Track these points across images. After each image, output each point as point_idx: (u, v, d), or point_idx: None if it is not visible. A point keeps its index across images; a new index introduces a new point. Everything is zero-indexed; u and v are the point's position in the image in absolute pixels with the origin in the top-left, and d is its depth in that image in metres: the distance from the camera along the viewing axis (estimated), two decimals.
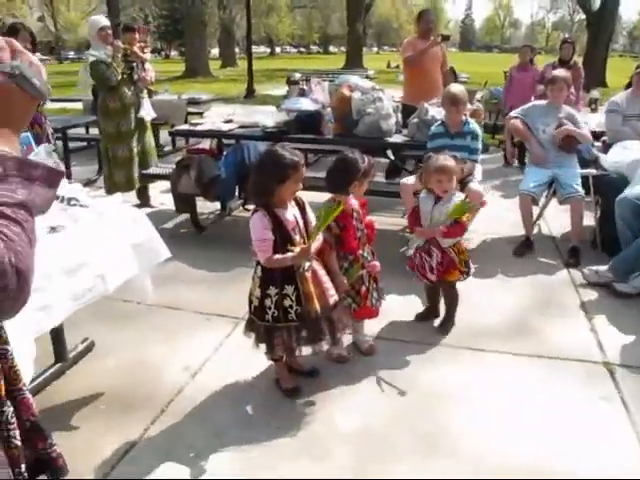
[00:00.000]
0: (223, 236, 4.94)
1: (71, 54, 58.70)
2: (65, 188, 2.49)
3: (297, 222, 2.55)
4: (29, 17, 60.05)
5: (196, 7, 26.85)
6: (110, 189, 5.49)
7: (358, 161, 2.79)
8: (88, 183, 6.81)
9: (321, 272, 2.63)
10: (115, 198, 2.72)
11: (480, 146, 4.24)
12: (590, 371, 2.96)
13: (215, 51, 57.25)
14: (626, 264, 3.84)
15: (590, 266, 4.05)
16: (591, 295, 3.85)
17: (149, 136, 5.73)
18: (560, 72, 4.86)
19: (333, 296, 2.64)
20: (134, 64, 5.40)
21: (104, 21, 5.34)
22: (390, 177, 6.08)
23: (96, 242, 2.38)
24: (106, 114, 5.38)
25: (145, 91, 5.70)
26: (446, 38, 6.11)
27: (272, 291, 2.53)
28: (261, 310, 2.56)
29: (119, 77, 5.22)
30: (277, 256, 2.45)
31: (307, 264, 2.50)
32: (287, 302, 2.52)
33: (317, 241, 2.53)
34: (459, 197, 3.20)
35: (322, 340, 2.62)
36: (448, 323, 3.40)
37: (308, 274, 2.53)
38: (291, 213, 2.54)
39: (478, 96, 9.93)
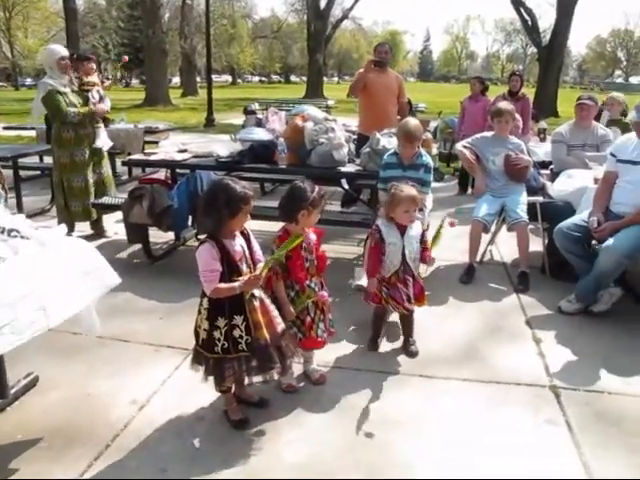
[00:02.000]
0: (176, 266, 4.90)
1: (28, 81, 57.97)
2: (6, 219, 2.45)
3: (244, 252, 2.56)
4: None
5: (157, 36, 26.87)
6: (65, 219, 5.44)
7: (307, 190, 2.81)
8: (41, 212, 6.70)
9: (268, 301, 2.64)
10: (59, 229, 2.68)
11: (432, 178, 4.33)
12: (537, 395, 3.02)
13: (177, 79, 57.41)
14: (589, 289, 3.95)
15: (567, 298, 4.10)
16: (539, 320, 3.95)
17: (106, 165, 5.69)
18: (503, 104, 5.03)
19: (280, 324, 2.66)
20: (89, 94, 5.40)
21: (63, 51, 5.33)
22: (345, 206, 6.16)
23: (38, 274, 2.33)
24: (60, 144, 5.34)
25: (101, 120, 5.67)
26: (377, 64, 6.10)
27: (221, 322, 2.52)
28: (210, 342, 2.54)
29: (79, 116, 5.21)
30: (224, 285, 2.45)
31: (257, 292, 2.52)
32: (237, 332, 2.52)
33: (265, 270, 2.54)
34: (418, 225, 3.32)
35: (272, 369, 2.61)
36: (414, 345, 3.45)
37: (256, 303, 2.53)
38: (238, 244, 2.55)
39: (432, 125, 10.19)
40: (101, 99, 5.68)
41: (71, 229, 5.48)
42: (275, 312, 2.65)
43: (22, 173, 7.53)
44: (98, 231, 5.68)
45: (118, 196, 5.52)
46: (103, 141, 5.61)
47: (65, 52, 5.31)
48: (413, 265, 3.32)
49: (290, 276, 2.84)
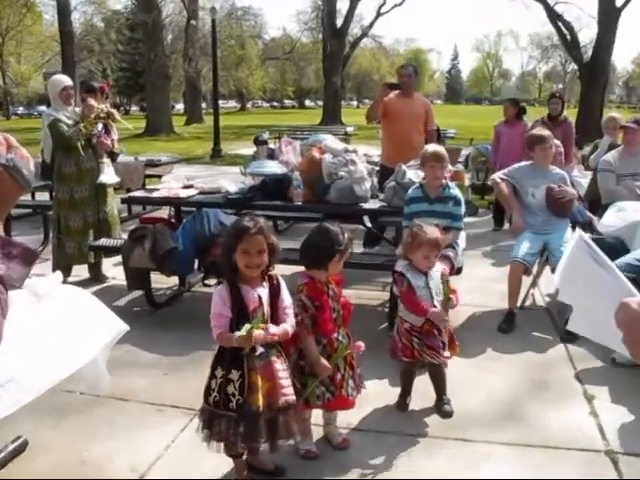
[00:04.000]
0: (182, 314, 4.92)
1: (20, 109, 59.54)
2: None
3: (261, 303, 2.58)
4: None
5: (159, 60, 27.53)
6: (60, 260, 5.55)
7: (339, 233, 2.84)
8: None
9: (279, 365, 2.62)
10: (54, 277, 2.72)
11: (463, 212, 4.35)
12: (591, 461, 2.96)
13: (180, 106, 58.56)
14: None
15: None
16: (590, 373, 3.89)
17: (110, 204, 5.80)
18: (540, 130, 5.06)
19: (287, 396, 2.60)
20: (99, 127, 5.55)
21: (67, 80, 5.55)
22: (368, 246, 6.17)
23: (33, 328, 2.36)
24: (60, 179, 5.50)
25: (105, 155, 5.78)
26: (393, 86, 6.11)
27: (218, 372, 2.57)
28: (207, 391, 2.61)
29: (82, 139, 5.38)
30: (225, 334, 2.51)
31: (259, 351, 2.52)
32: (230, 389, 2.54)
33: (267, 330, 2.52)
34: (438, 265, 3.34)
35: (258, 443, 2.58)
36: (448, 404, 3.41)
37: (259, 362, 2.54)
38: (257, 292, 2.58)
39: (463, 153, 10.22)
40: (107, 131, 5.79)
41: (67, 273, 5.55)
42: (286, 380, 2.62)
43: (12, 210, 7.70)
44: (96, 276, 5.75)
45: (118, 237, 5.60)
46: (108, 176, 5.72)
47: (68, 81, 5.54)
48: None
49: (318, 330, 2.84)
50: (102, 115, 5.55)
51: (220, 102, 21.03)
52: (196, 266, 4.86)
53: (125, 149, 11.41)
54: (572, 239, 2.37)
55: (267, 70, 57.99)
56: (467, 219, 4.54)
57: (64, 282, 5.21)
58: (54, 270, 5.47)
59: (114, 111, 5.73)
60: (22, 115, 56.31)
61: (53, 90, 5.48)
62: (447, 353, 3.32)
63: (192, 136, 26.36)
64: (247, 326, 2.45)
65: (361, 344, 2.97)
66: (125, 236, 5.27)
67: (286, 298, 2.68)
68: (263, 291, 2.60)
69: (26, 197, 8.25)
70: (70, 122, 5.41)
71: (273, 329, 2.54)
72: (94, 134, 5.50)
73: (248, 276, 2.57)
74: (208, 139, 20.04)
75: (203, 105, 39.86)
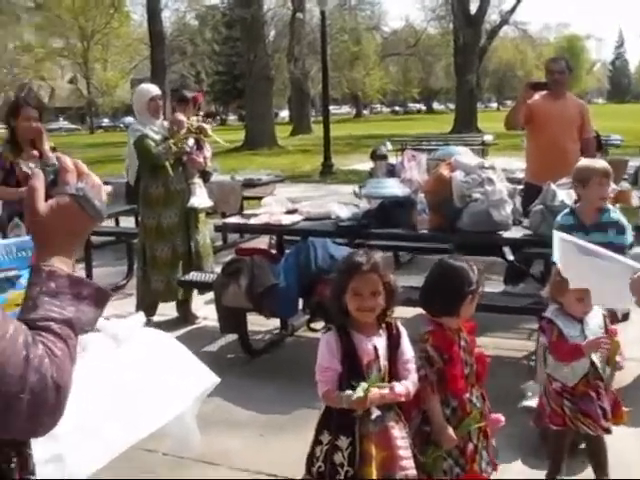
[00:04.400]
0: (282, 363, 4.99)
1: (105, 121, 63.17)
2: None
3: (377, 355, 2.58)
4: (59, 79, 65.71)
5: (260, 60, 28.26)
6: (144, 296, 5.80)
7: (469, 271, 2.81)
8: (114, 289, 7.15)
9: (398, 432, 2.59)
10: (137, 318, 2.85)
11: (630, 242, 4.17)
12: None
13: (284, 114, 60.08)
14: None
15: None
16: None
17: (202, 231, 6.01)
18: None
19: (407, 470, 2.55)
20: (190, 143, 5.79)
21: (154, 90, 5.84)
22: (510, 284, 6.02)
23: (110, 376, 2.48)
24: (146, 202, 5.76)
25: (197, 175, 6.01)
26: (539, 86, 6.01)
27: (324, 437, 2.58)
28: (310, 460, 2.61)
29: (171, 158, 5.62)
30: (334, 392, 2.51)
31: (375, 414, 2.51)
32: (338, 458, 2.53)
33: (392, 389, 2.51)
34: (598, 312, 3.21)
35: None
36: None
37: (374, 428, 2.52)
38: (373, 342, 2.58)
39: (632, 165, 9.80)
40: (199, 147, 6.01)
41: (152, 311, 5.82)
42: (405, 450, 2.58)
43: (93, 238, 8.15)
44: (185, 316, 5.96)
45: (210, 271, 5.78)
46: (200, 199, 5.93)
47: (156, 91, 5.82)
48: (602, 367, 3.19)
49: (446, 388, 2.77)
50: (193, 130, 5.77)
51: (331, 108, 21.43)
52: (300, 306, 4.92)
53: (220, 166, 11.79)
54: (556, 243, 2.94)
55: (387, 69, 58.41)
56: (635, 249, 4.33)
57: (148, 321, 5.52)
58: (138, 307, 5.76)
59: (206, 126, 5.94)
60: (107, 128, 59.70)
61: (139, 101, 5.76)
62: (608, 424, 3.16)
63: (298, 149, 26.88)
64: (363, 385, 2.43)
65: (500, 418, 2.88)
66: (218, 270, 5.43)
67: (407, 350, 2.66)
68: (379, 341, 2.60)
69: (109, 223, 8.71)
70: (158, 137, 5.65)
71: (398, 387, 2.51)
72: (184, 152, 5.73)
73: (361, 322, 2.58)
74: (317, 152, 20.37)
75: (312, 112, 40.68)
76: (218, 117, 70.58)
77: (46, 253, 1.21)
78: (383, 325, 2.64)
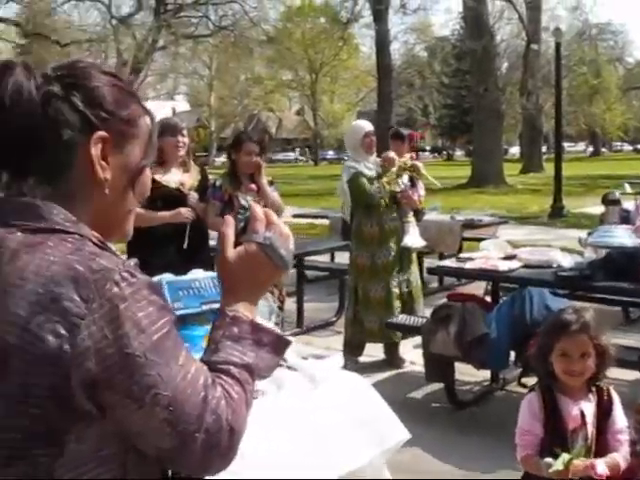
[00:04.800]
0: (489, 418, 4.89)
1: (330, 154, 65.59)
2: None
3: (584, 422, 2.49)
4: (287, 111, 69.33)
5: (490, 94, 28.11)
6: (354, 336, 5.95)
7: None
8: (324, 325, 7.39)
9: None
10: (335, 360, 2.94)
11: None
12: None
13: (514, 150, 59.12)
14: None
15: None
16: None
17: (415, 271, 6.11)
18: None
19: None
20: (405, 181, 5.93)
21: (368, 126, 6.03)
22: None
23: (303, 417, 2.59)
24: (360, 241, 5.92)
25: (411, 213, 6.12)
26: None
27: None
28: None
29: (385, 197, 5.76)
30: (532, 458, 2.44)
31: None
32: None
33: (601, 470, 2.37)
34: None
35: None
36: None
37: None
38: (580, 407, 2.50)
39: None
40: (413, 185, 6.13)
41: (359, 351, 5.97)
42: None
43: (308, 272, 8.48)
44: (392, 359, 6.02)
45: (420, 314, 5.81)
46: (413, 239, 6.01)
47: (370, 127, 6.00)
48: None
49: None
50: (406, 168, 5.87)
51: (566, 145, 20.85)
52: (512, 359, 4.83)
53: (442, 204, 11.80)
54: None
55: (630, 103, 55.81)
56: None
57: (355, 362, 5.66)
58: (345, 346, 5.93)
59: (419, 164, 6.03)
60: (331, 160, 61.88)
61: (353, 137, 5.97)
62: None
63: (527, 188, 26.36)
64: (564, 457, 2.35)
65: None
66: (428, 313, 5.45)
67: (620, 419, 2.54)
68: (588, 406, 2.50)
69: (324, 258, 9.02)
70: (372, 174, 5.81)
71: (601, 467, 2.36)
72: (399, 191, 5.85)
73: (569, 385, 2.51)
74: (547, 193, 19.80)
75: (544, 149, 39.73)
76: (444, 152, 71.18)
77: (231, 298, 1.28)
78: (593, 389, 2.55)
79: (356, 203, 5.88)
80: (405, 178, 5.96)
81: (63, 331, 1.03)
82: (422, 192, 6.23)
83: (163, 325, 1.11)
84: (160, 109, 51.43)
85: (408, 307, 5.92)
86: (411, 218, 6.07)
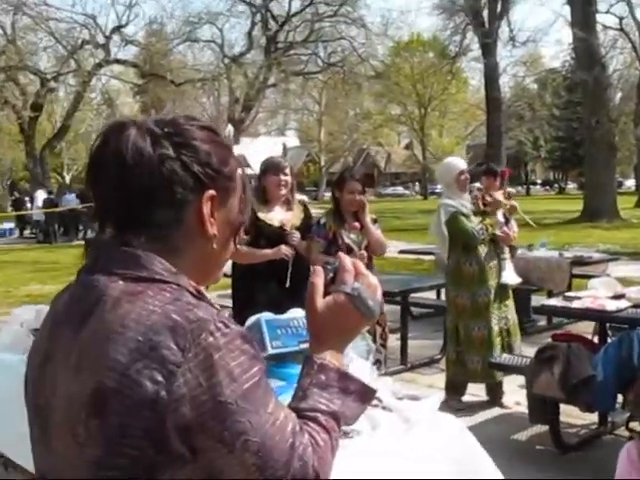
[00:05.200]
0: (596, 463, 4.72)
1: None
2: (372, 384, 2.80)
3: None
4: (396, 145, 69.55)
5: (602, 126, 27.48)
6: (456, 376, 5.90)
7: None
8: (429, 363, 7.33)
9: None
10: (431, 401, 2.92)
11: None
12: None
13: (630, 182, 57.29)
14: None
15: None
16: None
17: (511, 308, 6.01)
18: None
19: None
20: (500, 218, 5.92)
21: (462, 164, 6.01)
22: None
23: (397, 458, 2.59)
24: (459, 280, 5.87)
25: (507, 250, 6.08)
26: None
27: None
28: None
29: (486, 236, 5.75)
30: None
31: None
32: None
33: None
34: None
35: None
36: None
37: None
38: None
39: None
40: (507, 222, 6.12)
41: (462, 391, 5.92)
42: None
43: (413, 309, 8.45)
44: (494, 399, 5.93)
45: (518, 352, 5.70)
46: (511, 275, 5.99)
47: (464, 165, 5.99)
48: None
49: None
50: (505, 210, 5.94)
51: None
52: (620, 402, 4.67)
53: (553, 239, 11.53)
54: None
55: None
56: None
57: (459, 401, 5.61)
58: (448, 386, 5.88)
59: (516, 204, 6.05)
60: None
61: (448, 175, 5.91)
62: None
63: None
64: None
65: None
66: (529, 350, 5.34)
67: None
68: None
69: (430, 295, 8.96)
70: (468, 212, 5.78)
71: None
72: (499, 232, 5.85)
73: None
74: None
75: None
76: (556, 185, 69.70)
77: (319, 346, 1.32)
78: None
79: (455, 242, 5.85)
80: (499, 215, 5.93)
81: (160, 378, 1.07)
82: (515, 229, 6.20)
83: (254, 374, 1.14)
84: (271, 145, 52.67)
85: (506, 344, 5.83)
86: (507, 255, 6.05)
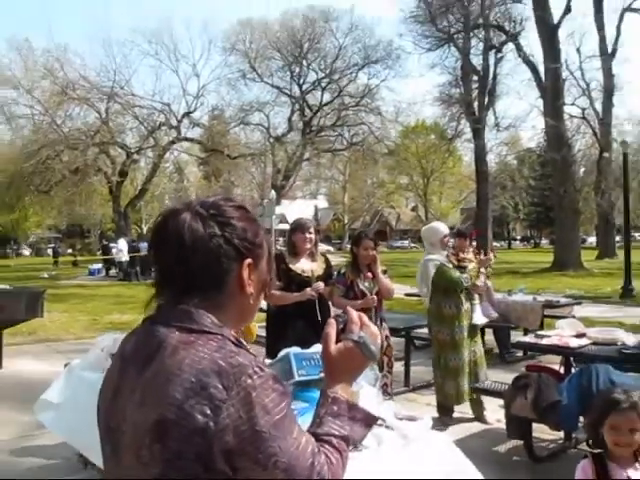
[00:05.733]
0: (563, 473, 4.58)
1: None
2: (376, 407, 2.77)
3: None
4: (404, 207, 69.61)
5: (568, 195, 27.55)
6: (442, 401, 5.83)
7: None
8: (427, 385, 7.22)
9: None
10: (425, 422, 2.88)
11: None
12: None
13: (592, 239, 56.74)
14: None
15: None
16: None
17: (479, 344, 6.01)
18: None
19: None
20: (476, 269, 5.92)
21: (445, 229, 6.01)
22: None
23: (398, 468, 2.54)
24: (441, 319, 5.79)
25: (477, 297, 6.13)
26: None
27: None
28: None
29: (469, 284, 5.71)
30: None
31: None
32: None
33: None
34: None
35: None
36: None
37: None
38: (628, 474, 2.34)
39: None
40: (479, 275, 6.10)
41: (451, 410, 5.84)
42: None
43: (417, 341, 8.37)
44: (478, 415, 5.82)
45: (502, 382, 5.61)
46: (479, 317, 6.03)
47: (447, 230, 6.00)
48: None
49: None
50: (465, 262, 5.99)
51: (636, 235, 19.77)
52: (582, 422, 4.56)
53: (529, 285, 11.40)
54: None
55: None
56: None
57: (450, 418, 5.50)
58: (439, 406, 5.80)
59: (484, 258, 6.04)
60: None
61: (434, 236, 5.88)
62: None
63: (602, 272, 25.16)
64: None
65: None
66: (509, 378, 5.26)
67: None
68: (635, 474, 2.33)
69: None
70: (450, 266, 5.79)
71: None
72: (479, 283, 5.86)
73: (617, 454, 2.35)
74: (619, 276, 18.80)
75: (617, 238, 37.84)
76: (532, 241, 69.27)
77: (332, 382, 1.34)
78: (639, 458, 2.38)
79: (436, 288, 5.78)
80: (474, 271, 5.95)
81: (209, 411, 1.09)
82: (482, 280, 6.00)
83: (283, 408, 1.16)
84: (305, 207, 53.09)
85: (474, 372, 5.78)
86: (477, 300, 6.08)
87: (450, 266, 5.77)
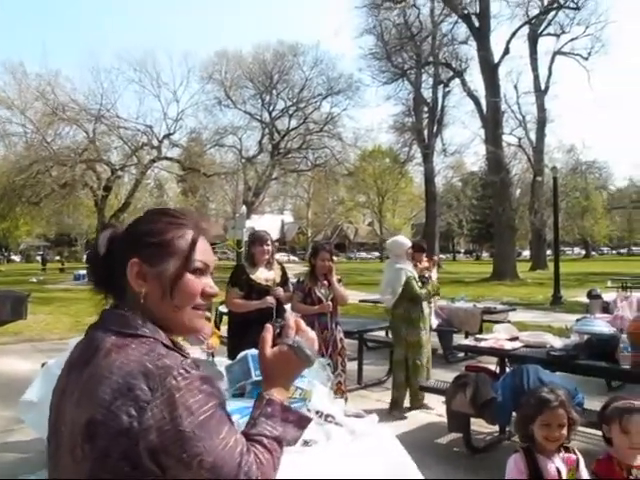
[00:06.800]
0: (499, 462, 4.53)
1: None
2: (326, 405, 2.69)
3: (560, 477, 2.29)
4: (361, 223, 69.88)
5: (506, 213, 28.05)
6: (400, 396, 5.88)
7: None
8: (378, 383, 7.16)
9: None
10: (370, 418, 2.81)
11: None
12: None
13: (527, 253, 57.78)
14: None
15: None
16: None
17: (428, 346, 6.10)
18: None
19: None
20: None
21: (409, 242, 6.08)
22: None
23: (345, 461, 2.46)
24: (409, 323, 5.81)
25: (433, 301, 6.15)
26: None
27: None
28: None
29: (428, 298, 5.91)
30: None
31: None
32: None
33: None
34: None
35: None
36: None
37: None
38: (555, 464, 2.30)
39: None
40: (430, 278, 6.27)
41: (402, 406, 5.84)
42: None
43: (370, 343, 8.30)
44: (420, 405, 5.88)
45: (444, 380, 5.59)
46: (434, 321, 6.35)
47: (409, 243, 6.07)
48: None
49: None
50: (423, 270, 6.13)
51: (565, 249, 20.26)
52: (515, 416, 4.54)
53: (470, 293, 11.47)
54: None
55: (613, 219, 54.14)
56: None
57: (399, 412, 5.46)
58: (392, 402, 5.76)
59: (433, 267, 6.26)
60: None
61: (400, 248, 5.93)
62: None
63: (535, 282, 25.55)
64: None
65: None
66: (451, 377, 5.24)
67: (583, 474, 2.32)
68: (559, 463, 2.29)
69: (380, 333, 8.78)
70: (414, 274, 5.85)
71: None
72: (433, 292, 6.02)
73: (546, 447, 2.31)
74: (550, 285, 19.13)
75: (548, 252, 38.56)
76: (474, 253, 70.19)
77: (268, 385, 1.27)
78: (562, 449, 2.34)
79: (403, 295, 5.80)
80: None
81: (134, 412, 1.04)
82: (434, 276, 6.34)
83: (209, 408, 1.09)
84: (273, 221, 52.85)
85: (420, 373, 5.89)
86: (432, 306, 6.39)
87: (416, 276, 5.86)
